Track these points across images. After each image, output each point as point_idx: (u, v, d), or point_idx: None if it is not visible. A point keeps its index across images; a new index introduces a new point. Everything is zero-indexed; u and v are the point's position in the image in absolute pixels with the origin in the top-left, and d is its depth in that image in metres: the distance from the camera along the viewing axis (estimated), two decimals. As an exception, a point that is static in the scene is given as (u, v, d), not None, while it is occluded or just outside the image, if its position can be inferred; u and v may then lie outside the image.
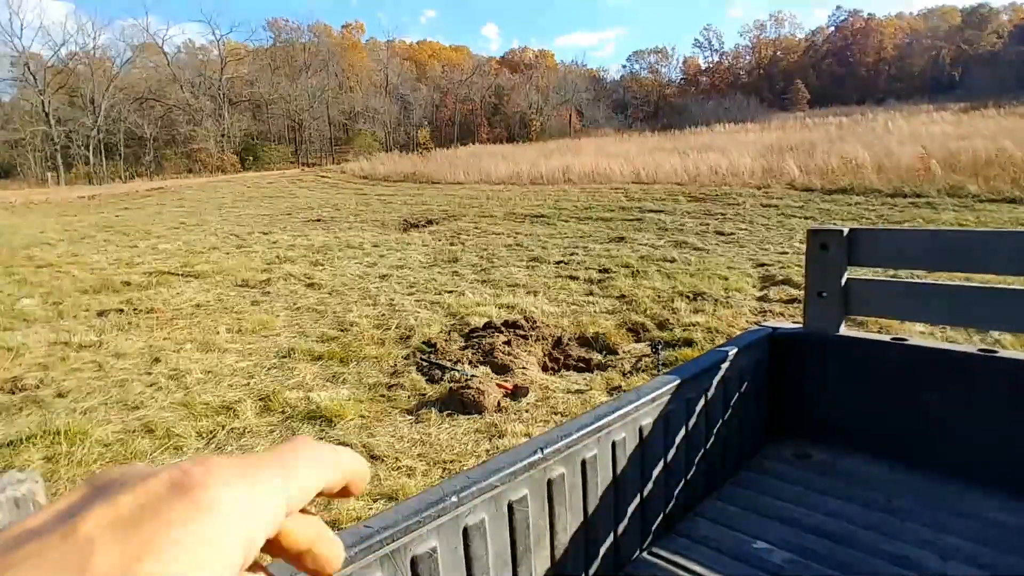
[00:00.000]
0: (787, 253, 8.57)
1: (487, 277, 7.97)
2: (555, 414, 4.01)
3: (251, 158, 50.07)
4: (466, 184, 21.00)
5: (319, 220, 14.18)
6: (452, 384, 4.50)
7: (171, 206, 19.66)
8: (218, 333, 5.83)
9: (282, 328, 6.08)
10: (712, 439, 1.94)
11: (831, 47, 76.44)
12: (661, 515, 1.77)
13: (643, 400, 1.63)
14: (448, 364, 4.94)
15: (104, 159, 47.75)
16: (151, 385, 4.56)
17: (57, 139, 45.30)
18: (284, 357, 5.23)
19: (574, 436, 1.43)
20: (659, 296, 6.85)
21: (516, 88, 67.82)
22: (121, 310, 6.68)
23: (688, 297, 6.69)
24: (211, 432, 3.78)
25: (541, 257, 8.96)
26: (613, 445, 1.56)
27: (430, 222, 13.32)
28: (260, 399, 4.31)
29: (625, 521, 1.63)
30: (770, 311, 6.13)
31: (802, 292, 6.89)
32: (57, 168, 44.86)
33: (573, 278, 7.78)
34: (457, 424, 3.89)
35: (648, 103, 78.01)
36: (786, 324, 2.42)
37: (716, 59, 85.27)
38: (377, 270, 8.54)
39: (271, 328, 6.05)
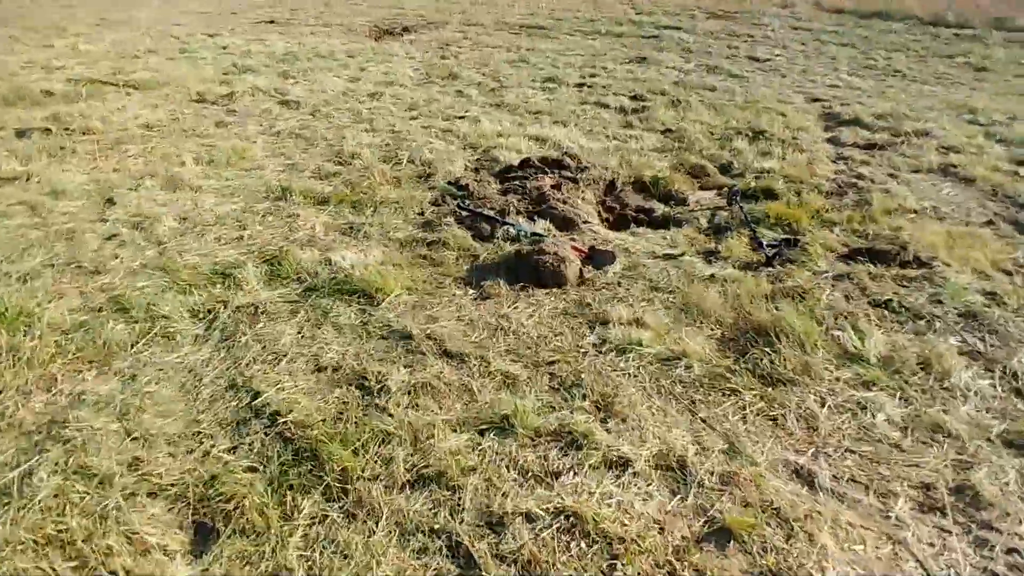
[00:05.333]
0: (838, 87, 7.41)
1: (500, 100, 6.58)
2: (655, 290, 3.11)
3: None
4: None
5: (272, 22, 11.79)
6: (513, 245, 3.49)
7: (84, -4, 16.19)
8: (183, 164, 4.49)
9: (265, 159, 4.76)
10: None
11: None
12: None
13: None
14: (492, 214, 3.88)
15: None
16: (111, 239, 3.36)
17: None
18: (279, 199, 4.02)
19: None
20: (712, 132, 5.74)
21: None
22: (48, 129, 5.12)
23: (747, 136, 5.61)
24: (210, 312, 2.74)
25: (556, 78, 7.50)
26: None
27: (406, 29, 11.23)
28: (264, 260, 3.21)
29: None
30: (851, 157, 5.16)
31: (879, 136, 5.97)
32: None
33: (603, 105, 6.50)
34: (538, 302, 2.95)
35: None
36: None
37: None
38: (363, 86, 6.96)
39: (250, 158, 4.72)
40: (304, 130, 5.48)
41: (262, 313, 2.74)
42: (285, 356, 2.44)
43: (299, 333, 2.61)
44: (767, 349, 2.64)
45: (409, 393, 2.24)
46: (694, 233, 3.98)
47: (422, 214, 3.95)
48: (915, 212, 4.18)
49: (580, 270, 3.24)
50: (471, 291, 3.05)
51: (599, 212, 4.44)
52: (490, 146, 5.18)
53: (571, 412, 2.15)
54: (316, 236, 3.53)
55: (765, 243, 3.63)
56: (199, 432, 2.02)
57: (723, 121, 5.99)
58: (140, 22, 11.08)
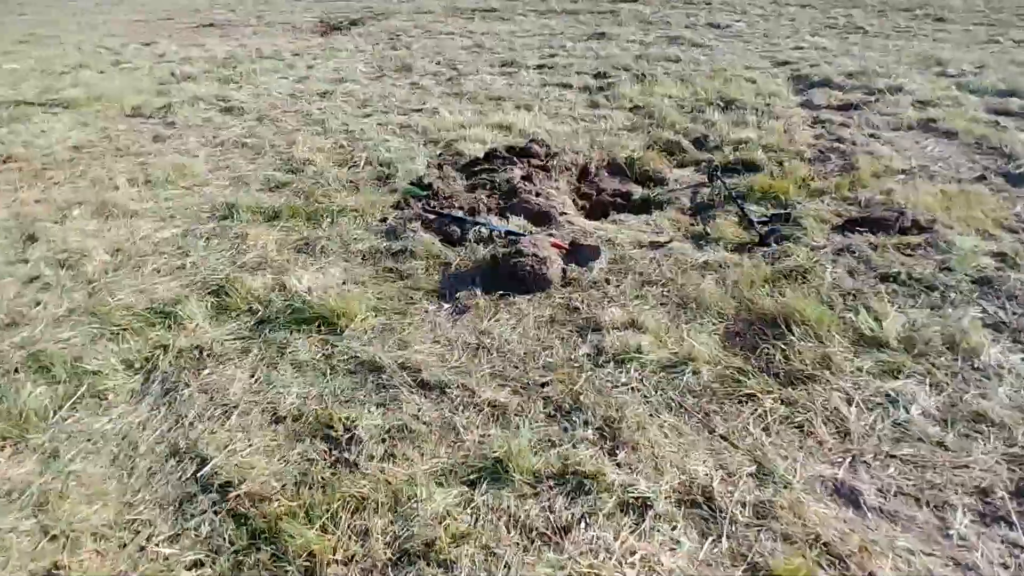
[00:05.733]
0: (803, 48, 7.17)
1: (458, 89, 6.19)
2: (647, 284, 2.81)
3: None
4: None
5: (211, 25, 11.14)
6: (487, 247, 3.16)
7: (10, 14, 15.22)
8: (117, 188, 4.03)
9: (208, 174, 4.33)
10: None
11: None
12: None
13: None
14: (461, 214, 3.54)
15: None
16: (31, 282, 2.93)
17: None
18: (224, 218, 3.62)
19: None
20: (682, 106, 5.45)
21: None
22: (-39, 160, 4.61)
23: (718, 106, 5.34)
24: (148, 361, 2.36)
25: (515, 61, 7.12)
26: None
27: (354, 22, 10.71)
28: (210, 292, 2.83)
29: None
30: (829, 120, 4.92)
31: (854, 96, 5.68)
32: None
33: (566, 86, 6.16)
34: (520, 311, 2.63)
35: None
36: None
37: None
38: (312, 86, 6.50)
39: (192, 174, 4.28)
40: (250, 138, 5.03)
41: (209, 356, 2.37)
42: (236, 408, 2.08)
43: (252, 377, 2.25)
44: (778, 341, 2.36)
45: (384, 440, 1.90)
46: (678, 215, 3.69)
47: (385, 221, 3.59)
48: (903, 172, 3.95)
49: (563, 269, 2.92)
50: (445, 305, 2.71)
51: (575, 200, 4.12)
52: (452, 139, 4.81)
53: (573, 445, 1.85)
54: (268, 257, 3.15)
55: (756, 220, 3.36)
56: (134, 520, 1.67)
57: (692, 93, 5.70)
58: (69, 35, 10.36)
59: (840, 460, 1.83)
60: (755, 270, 2.88)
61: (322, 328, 2.52)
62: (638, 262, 3.01)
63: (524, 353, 2.36)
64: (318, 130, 5.16)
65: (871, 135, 4.55)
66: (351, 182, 4.11)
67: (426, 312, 2.67)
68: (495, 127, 5.06)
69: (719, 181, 3.96)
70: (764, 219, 3.40)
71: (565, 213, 3.62)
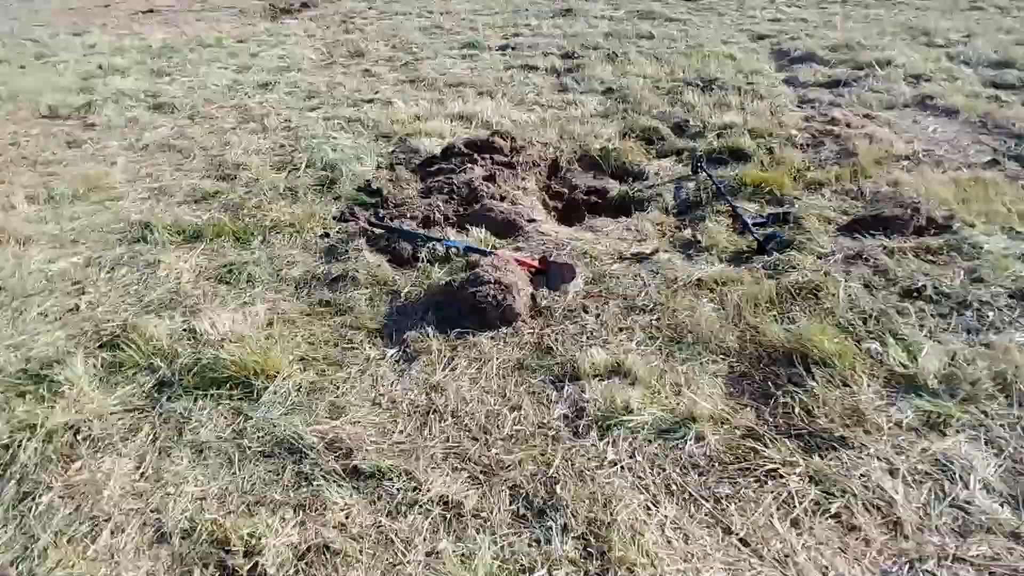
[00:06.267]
0: (781, 20, 6.70)
1: (415, 75, 5.60)
2: (633, 312, 2.34)
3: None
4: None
5: (152, 11, 10.26)
6: (443, 268, 2.65)
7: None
8: (13, 207, 3.42)
9: (125, 184, 3.72)
10: None
11: None
12: None
13: None
14: (414, 226, 3.02)
15: None
16: None
17: None
18: (137, 242, 3.05)
19: None
20: (658, 87, 4.96)
21: None
22: None
23: (698, 86, 4.85)
24: (7, 450, 1.82)
25: (476, 42, 6.53)
26: None
27: (305, 5, 9.95)
28: (101, 344, 2.28)
29: None
30: (817, 99, 4.46)
31: (839, 71, 5.16)
32: None
33: (531, 68, 5.61)
34: (481, 355, 2.14)
35: None
36: None
37: None
38: (254, 76, 5.85)
39: (106, 186, 3.67)
40: (179, 139, 4.42)
41: (85, 440, 1.84)
42: (109, 521, 1.57)
43: (138, 469, 1.74)
44: (796, 388, 1.91)
45: (296, 572, 1.41)
46: (662, 216, 3.22)
47: (326, 236, 3.05)
48: (907, 158, 3.52)
49: (532, 296, 2.44)
50: (390, 350, 2.21)
51: (545, 200, 3.63)
52: (407, 133, 4.26)
53: (549, 571, 1.38)
54: (181, 291, 2.60)
55: (750, 221, 2.90)
56: None
57: (668, 72, 5.21)
58: (-8, 27, 9.43)
59: (897, 570, 1.39)
60: (757, 287, 2.42)
61: (235, 392, 2.00)
62: (620, 281, 2.53)
63: (486, 416, 1.87)
64: (256, 128, 4.56)
65: (865, 115, 4.11)
66: (289, 190, 3.55)
67: (367, 360, 2.16)
68: (454, 118, 4.52)
69: (704, 173, 3.49)
70: (760, 220, 2.95)
71: (534, 220, 3.12)
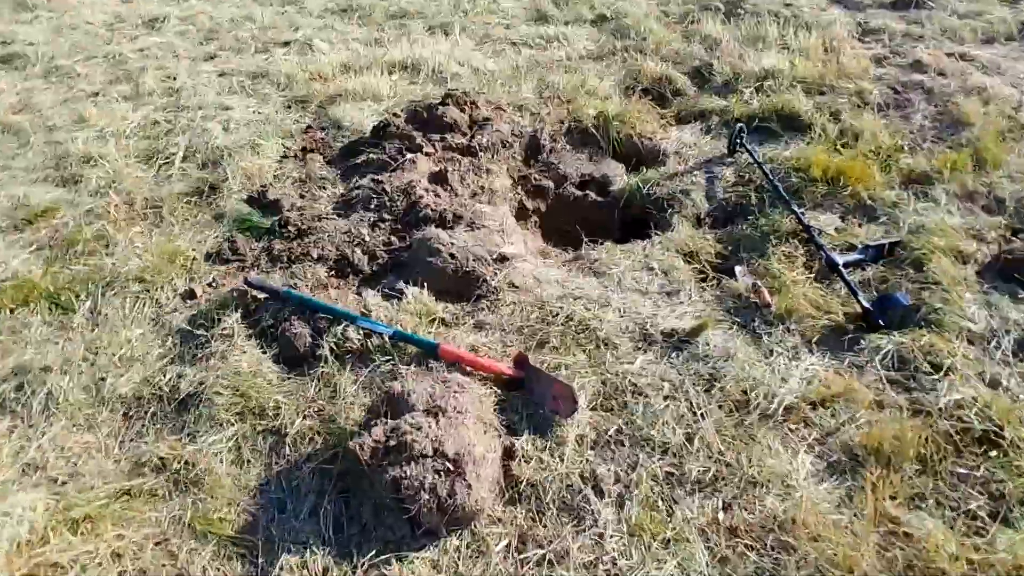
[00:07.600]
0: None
1: (348, 2, 4.19)
2: (681, 483, 1.31)
3: None
4: None
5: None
6: (364, 377, 1.57)
7: None
8: None
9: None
10: None
11: None
12: None
13: None
14: (323, 275, 1.91)
15: None
16: None
17: None
18: None
19: None
20: (666, 12, 3.65)
21: None
22: None
23: (719, 11, 3.56)
24: None
25: (429, -49, 5.01)
26: None
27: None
28: None
29: None
30: (884, 29, 3.22)
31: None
32: None
33: (500, -11, 4.21)
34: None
35: None
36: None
37: None
38: (143, 7, 4.38)
39: None
40: (19, 113, 3.12)
41: None
42: None
43: None
44: None
45: None
46: (693, 234, 2.12)
47: (191, 296, 1.94)
48: (1040, 126, 2.39)
49: (506, 454, 1.38)
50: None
51: (521, 202, 2.48)
52: (329, 96, 3.00)
53: None
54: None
55: (841, 264, 1.78)
56: None
57: (679, -9, 3.86)
58: None
59: None
60: (895, 426, 1.38)
61: None
62: (648, 401, 1.48)
63: None
64: (128, 91, 3.24)
65: (961, 55, 2.90)
66: (152, 201, 2.37)
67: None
68: (396, 67, 3.24)
69: (745, 151, 2.36)
70: (856, 258, 1.84)
71: (505, 256, 2.00)
